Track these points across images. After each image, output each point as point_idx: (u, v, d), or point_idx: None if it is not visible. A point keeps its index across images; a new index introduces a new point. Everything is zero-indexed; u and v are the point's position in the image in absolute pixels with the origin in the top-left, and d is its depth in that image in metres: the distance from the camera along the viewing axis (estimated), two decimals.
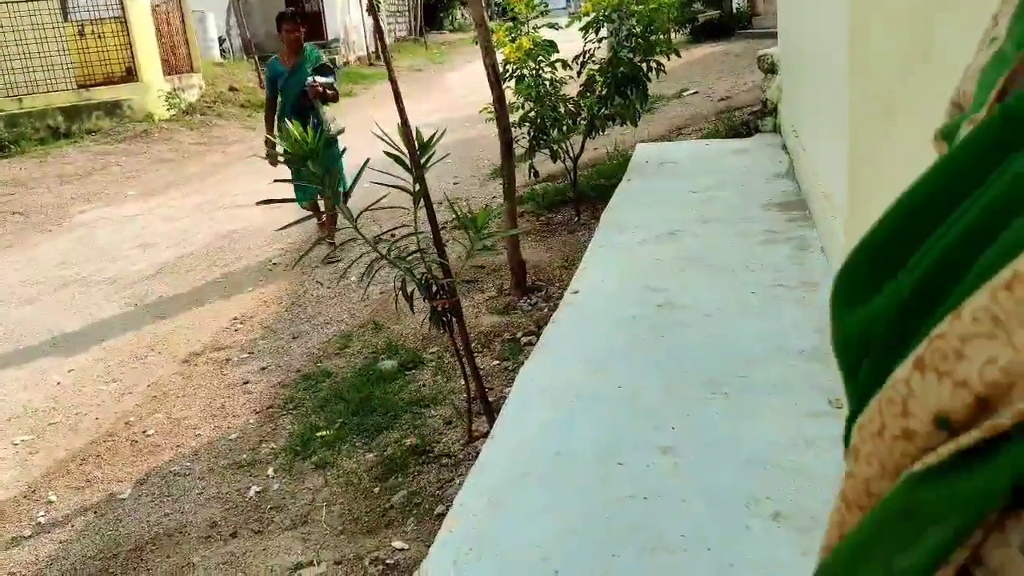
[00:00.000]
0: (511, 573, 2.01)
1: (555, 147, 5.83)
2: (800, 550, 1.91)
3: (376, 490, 3.21)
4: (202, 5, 16.61)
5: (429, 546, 2.19)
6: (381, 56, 3.49)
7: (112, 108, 12.55)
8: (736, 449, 2.38)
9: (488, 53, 4.46)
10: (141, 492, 3.48)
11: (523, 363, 3.27)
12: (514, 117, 5.52)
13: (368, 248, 3.06)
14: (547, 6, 5.97)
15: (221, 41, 18.28)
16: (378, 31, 3.60)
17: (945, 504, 0.36)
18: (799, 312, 3.23)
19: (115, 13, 13.04)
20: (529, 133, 5.86)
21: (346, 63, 19.90)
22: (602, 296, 3.72)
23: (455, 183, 7.93)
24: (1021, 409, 0.33)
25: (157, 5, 14.27)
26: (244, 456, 3.63)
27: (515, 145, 4.96)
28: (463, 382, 3.38)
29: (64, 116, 12.19)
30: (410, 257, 3.14)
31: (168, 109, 13.07)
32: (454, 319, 3.24)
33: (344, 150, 3.90)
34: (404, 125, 3.07)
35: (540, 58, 5.69)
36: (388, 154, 3.04)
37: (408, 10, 26.75)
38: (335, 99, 6.25)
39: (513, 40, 5.69)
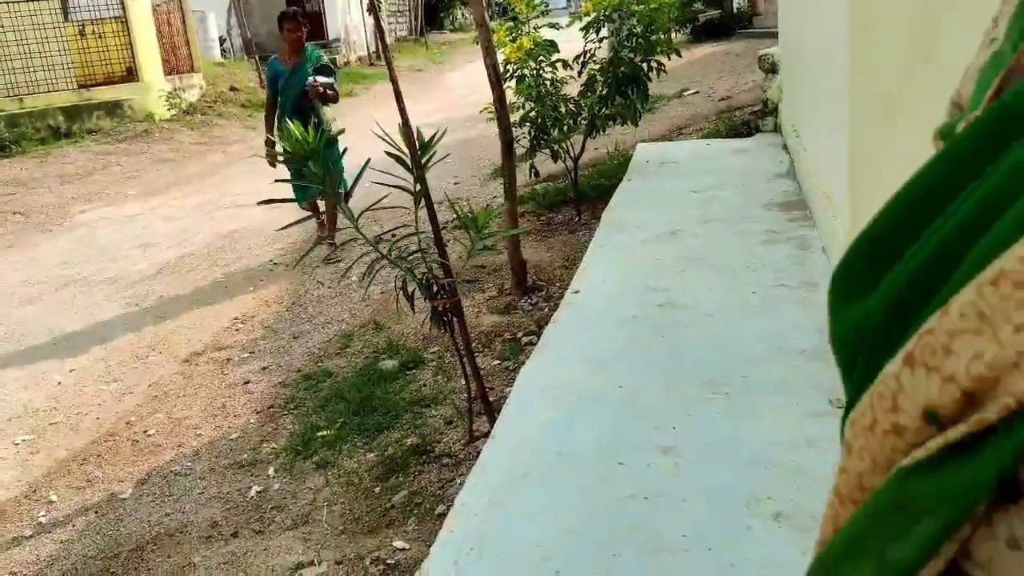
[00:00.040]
0: (512, 573, 2.01)
1: (556, 147, 5.83)
2: (801, 550, 1.91)
3: (377, 490, 3.21)
4: (203, 5, 16.61)
5: (430, 546, 2.19)
6: (382, 56, 3.49)
7: (113, 108, 12.55)
8: (737, 449, 2.38)
9: (489, 53, 4.46)
10: (142, 492, 3.48)
11: (524, 363, 3.28)
12: (515, 117, 5.52)
13: (369, 248, 3.06)
14: (548, 6, 5.97)
15: (222, 41, 18.29)
16: (379, 31, 3.60)
17: (934, 498, 0.36)
18: (800, 312, 3.23)
19: (116, 13, 13.04)
20: (530, 133, 5.86)
21: (347, 63, 19.92)
22: (603, 296, 3.72)
23: (456, 183, 7.93)
24: (1006, 403, 0.34)
25: (158, 5, 14.28)
26: (245, 456, 3.63)
27: (516, 145, 4.96)
28: (464, 382, 3.39)
29: (65, 116, 12.20)
30: (411, 257, 3.14)
31: (169, 109, 13.08)
32: (455, 319, 3.24)
33: (345, 150, 3.90)
34: (405, 125, 3.07)
35: (541, 58, 5.69)
36: (389, 154, 3.05)
37: (409, 10, 26.76)
38: (335, 100, 6.24)
39: (514, 40, 5.69)
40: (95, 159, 11.03)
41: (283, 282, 5.89)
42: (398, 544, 2.85)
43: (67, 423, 4.15)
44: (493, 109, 4.66)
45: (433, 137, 3.12)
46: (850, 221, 3.16)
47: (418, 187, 3.10)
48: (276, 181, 3.67)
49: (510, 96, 5.30)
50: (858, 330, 0.43)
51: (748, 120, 7.44)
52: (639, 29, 5.88)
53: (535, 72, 5.73)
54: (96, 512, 3.38)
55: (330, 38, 20.33)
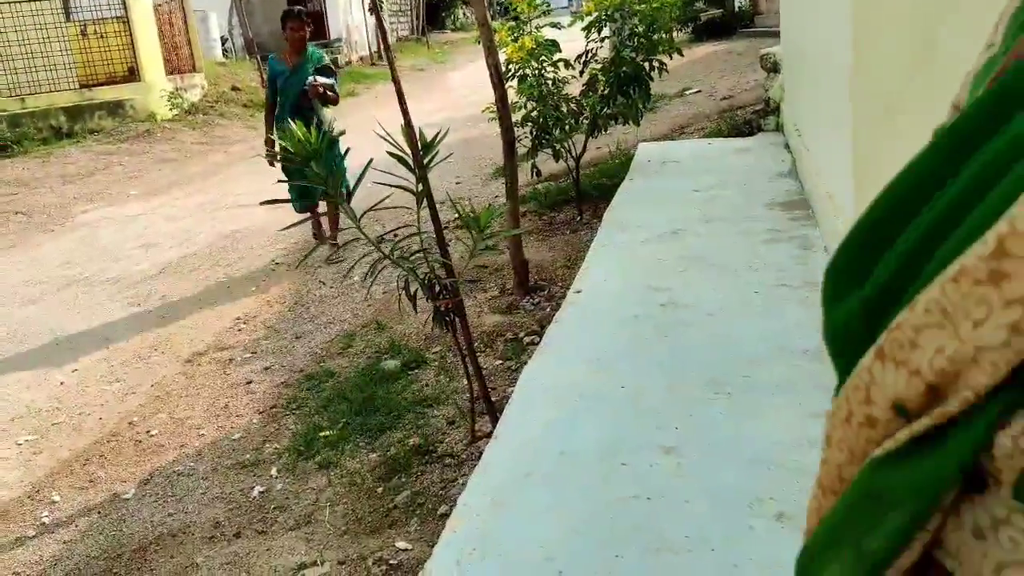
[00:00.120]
0: (514, 573, 2.01)
1: (557, 146, 5.83)
2: None
3: (379, 490, 3.21)
4: (204, 4, 16.62)
5: (432, 546, 2.19)
6: (384, 56, 3.49)
7: (114, 108, 12.56)
8: (739, 449, 2.38)
9: (490, 52, 4.46)
10: (145, 492, 3.49)
11: (526, 363, 3.28)
12: (517, 116, 5.52)
13: (371, 248, 3.06)
14: (549, 5, 5.97)
15: (223, 40, 18.29)
16: (381, 30, 3.60)
17: (902, 489, 0.38)
18: (802, 311, 3.23)
19: (117, 13, 13.05)
20: (531, 132, 5.86)
21: (348, 63, 19.93)
22: (605, 296, 3.72)
23: (458, 183, 7.93)
24: (966, 397, 0.35)
25: (159, 5, 14.29)
26: (247, 456, 3.64)
27: (518, 144, 4.96)
28: (466, 382, 3.39)
29: (67, 116, 12.21)
30: (413, 257, 3.14)
31: (170, 109, 13.08)
32: (457, 319, 3.24)
33: (347, 150, 3.90)
34: (407, 125, 3.07)
35: (543, 57, 5.69)
36: (391, 154, 3.05)
37: (410, 9, 26.76)
38: (335, 101, 6.22)
39: (516, 39, 5.69)
40: (97, 159, 11.04)
41: (285, 282, 5.89)
42: (401, 544, 2.85)
43: (70, 423, 4.16)
44: (495, 109, 4.66)
45: (435, 137, 3.12)
46: (852, 220, 3.16)
47: (420, 187, 3.10)
48: (279, 181, 3.67)
49: (512, 96, 5.30)
50: (846, 326, 0.44)
51: (750, 119, 7.44)
52: (641, 28, 5.88)
53: (537, 72, 5.73)
54: (99, 512, 3.39)
55: (332, 38, 20.34)
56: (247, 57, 17.40)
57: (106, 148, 11.58)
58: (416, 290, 3.14)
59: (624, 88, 5.91)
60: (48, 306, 5.87)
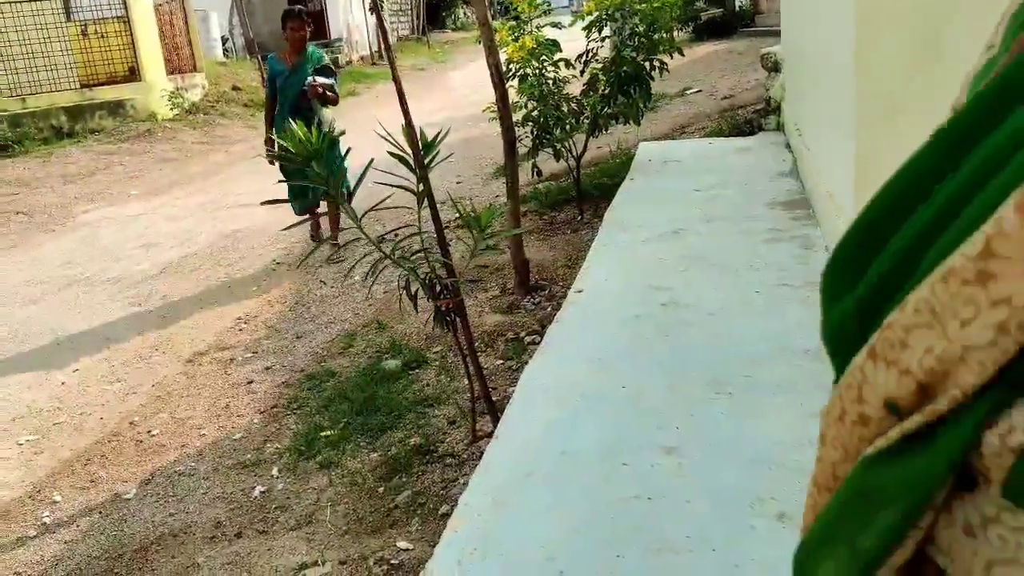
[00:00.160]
0: (516, 573, 2.01)
1: (558, 146, 5.83)
2: None
3: (380, 490, 3.21)
4: (205, 4, 16.62)
5: (434, 546, 2.19)
6: (384, 55, 3.48)
7: (115, 108, 12.57)
8: (740, 449, 2.38)
9: (491, 52, 4.46)
10: (146, 492, 3.49)
11: (527, 362, 3.27)
12: (517, 116, 5.52)
13: (372, 248, 3.06)
14: (550, 5, 5.96)
15: (224, 40, 18.29)
16: (381, 30, 3.59)
17: (894, 487, 0.38)
18: (803, 311, 3.23)
19: (118, 12, 13.06)
20: (532, 132, 5.86)
21: (349, 62, 19.92)
22: (606, 295, 3.72)
23: (458, 182, 7.93)
24: (954, 395, 0.35)
25: (160, 4, 14.29)
26: (248, 456, 3.64)
27: (518, 144, 4.95)
28: (467, 382, 3.39)
29: (67, 116, 12.21)
30: (414, 257, 3.14)
31: (171, 108, 13.09)
32: (458, 318, 3.24)
33: (348, 150, 3.90)
34: (408, 125, 3.07)
35: (543, 57, 5.69)
36: (392, 154, 3.04)
37: (411, 9, 26.75)
38: (335, 101, 6.21)
39: (516, 39, 5.69)
40: (98, 159, 11.05)
41: (286, 282, 5.89)
42: (402, 544, 2.85)
43: (71, 423, 4.16)
44: (495, 108, 4.66)
45: (436, 137, 3.12)
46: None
47: (421, 187, 3.10)
48: (279, 181, 3.68)
49: (512, 95, 5.30)
50: (841, 326, 0.44)
51: (751, 119, 7.44)
52: (641, 28, 5.88)
53: (537, 71, 5.73)
54: (100, 512, 3.39)
55: (332, 37, 20.33)
56: (248, 57, 17.40)
57: (107, 148, 11.58)
58: (417, 290, 3.14)
59: (625, 87, 5.91)
60: (49, 306, 5.87)
